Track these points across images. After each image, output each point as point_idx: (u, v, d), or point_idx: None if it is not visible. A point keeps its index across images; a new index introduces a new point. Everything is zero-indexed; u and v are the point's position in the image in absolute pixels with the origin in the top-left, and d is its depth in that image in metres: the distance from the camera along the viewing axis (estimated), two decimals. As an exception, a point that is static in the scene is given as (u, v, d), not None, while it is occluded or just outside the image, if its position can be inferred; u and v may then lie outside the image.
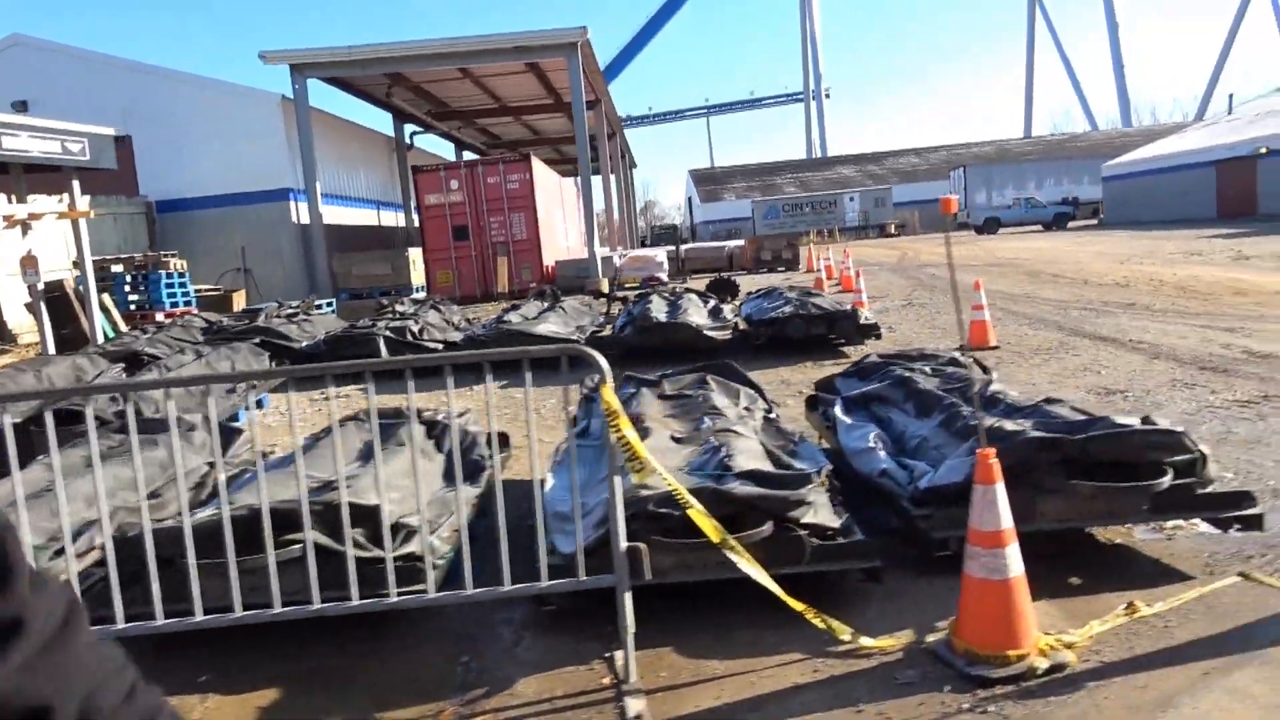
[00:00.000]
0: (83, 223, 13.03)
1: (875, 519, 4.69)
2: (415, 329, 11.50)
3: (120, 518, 4.78)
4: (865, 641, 3.47)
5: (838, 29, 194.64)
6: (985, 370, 6.31)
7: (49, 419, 3.13)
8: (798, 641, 3.57)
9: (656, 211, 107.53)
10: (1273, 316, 10.72)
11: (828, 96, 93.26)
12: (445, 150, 37.74)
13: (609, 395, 3.26)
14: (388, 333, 11.10)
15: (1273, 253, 19.55)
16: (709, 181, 75.78)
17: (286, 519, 3.61)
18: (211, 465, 6.07)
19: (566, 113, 26.91)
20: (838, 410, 5.72)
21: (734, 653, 3.57)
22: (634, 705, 3.23)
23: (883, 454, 4.82)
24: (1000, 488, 3.24)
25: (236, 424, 7.53)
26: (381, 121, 30.48)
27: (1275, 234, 25.47)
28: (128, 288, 16.43)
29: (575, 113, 22.88)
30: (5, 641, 0.68)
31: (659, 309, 11.88)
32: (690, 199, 75.33)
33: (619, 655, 3.49)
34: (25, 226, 12.91)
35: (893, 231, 56.07)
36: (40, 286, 12.33)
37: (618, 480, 3.36)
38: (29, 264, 11.67)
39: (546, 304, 14.02)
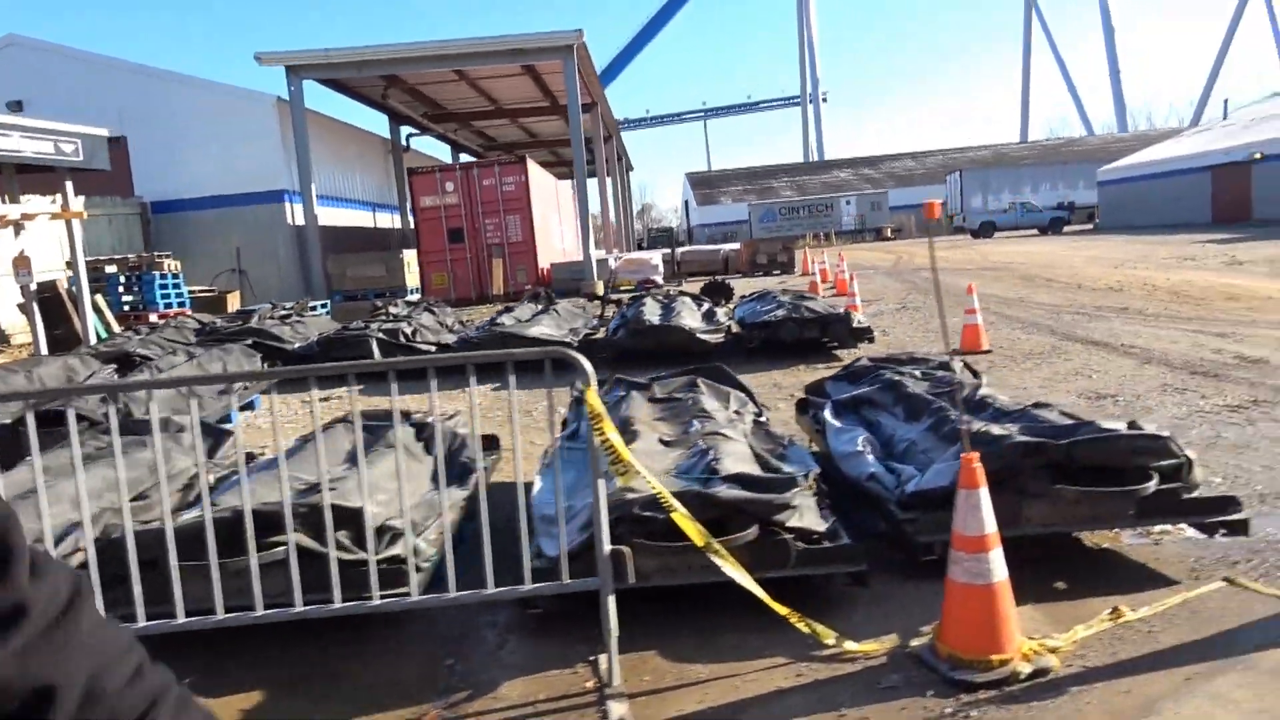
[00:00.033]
0: (76, 223, 13.00)
1: (863, 523, 4.69)
2: (408, 331, 11.50)
3: (106, 519, 4.76)
4: (850, 646, 3.47)
5: (835, 33, 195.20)
6: (975, 375, 6.31)
7: (30, 420, 3.12)
8: (782, 645, 3.57)
9: (654, 214, 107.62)
10: (1265, 322, 10.74)
11: (825, 100, 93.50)
12: (442, 152, 37.73)
13: (592, 398, 3.26)
14: (380, 334, 11.08)
15: (1266, 258, 19.59)
16: (706, 185, 75.85)
17: (271, 521, 3.60)
18: (198, 466, 6.07)
19: (563, 115, 26.90)
20: (827, 414, 5.72)
21: (718, 656, 3.57)
22: (616, 709, 3.23)
23: (870, 457, 4.82)
24: (984, 492, 3.24)
25: (227, 425, 7.51)
26: (378, 123, 30.50)
27: (1269, 239, 25.53)
28: (121, 288, 16.39)
29: (570, 115, 22.88)
30: (6, 628, 0.68)
31: (652, 312, 11.88)
32: (687, 202, 75.41)
33: (603, 659, 3.48)
34: (18, 227, 12.89)
35: (888, 235, 56.15)
36: (33, 287, 12.31)
37: (601, 483, 3.36)
38: (21, 264, 11.65)
39: (540, 306, 14.01)
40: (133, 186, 22.77)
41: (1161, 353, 9.31)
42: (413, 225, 24.40)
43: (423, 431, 5.86)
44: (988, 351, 10.19)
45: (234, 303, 19.61)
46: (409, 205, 25.87)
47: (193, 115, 22.78)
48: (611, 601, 3.37)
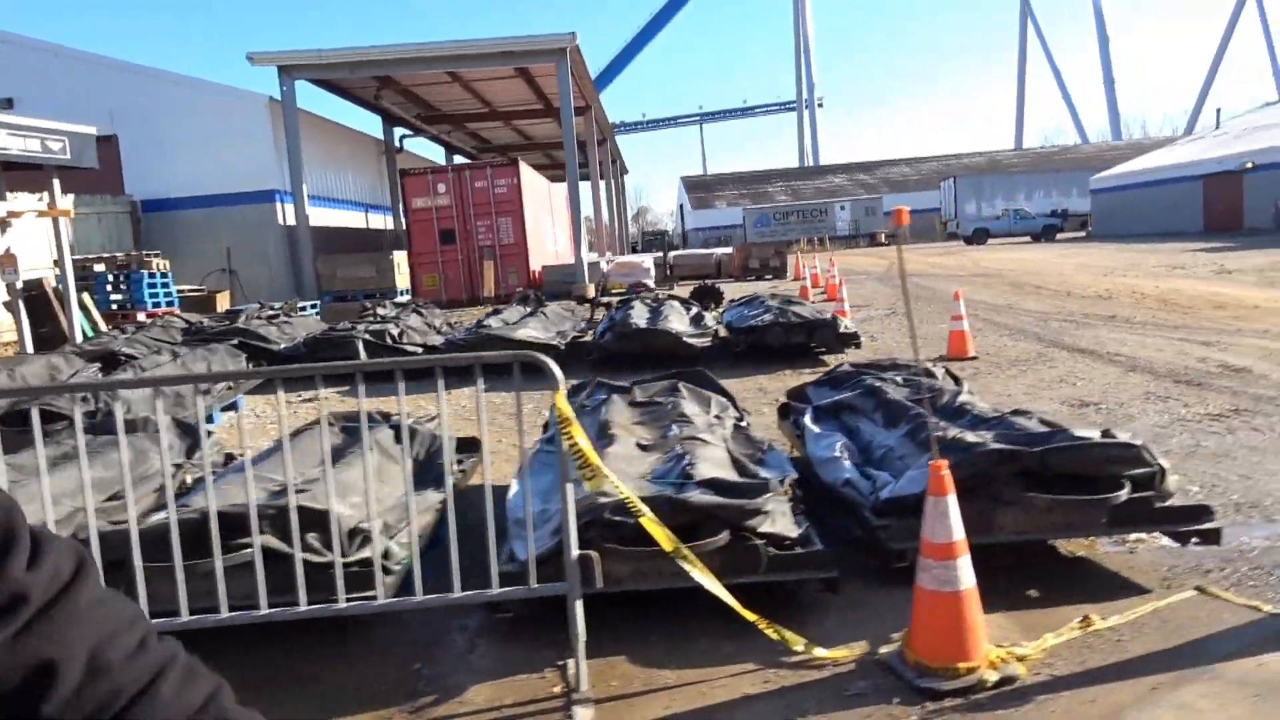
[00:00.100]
0: (63, 221, 12.96)
1: (840, 528, 4.69)
2: (395, 332, 11.47)
3: (80, 519, 4.74)
4: (819, 652, 3.45)
5: (832, 38, 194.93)
6: (957, 381, 6.31)
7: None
8: (752, 652, 3.56)
9: (649, 218, 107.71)
10: (1250, 330, 10.77)
11: (820, 105, 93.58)
12: (435, 154, 37.72)
13: (561, 402, 3.24)
14: (367, 335, 11.05)
15: (1255, 267, 19.66)
16: (701, 188, 75.90)
17: (240, 523, 3.58)
18: (178, 467, 6.04)
19: (556, 118, 26.90)
20: (807, 419, 5.72)
21: (688, 662, 3.56)
22: (582, 715, 3.21)
23: (847, 463, 4.82)
24: (952, 499, 3.24)
25: (208, 426, 7.47)
26: (371, 124, 30.49)
27: (1259, 248, 25.63)
28: (110, 287, 16.33)
29: (563, 118, 22.88)
30: (4, 616, 0.69)
31: (640, 315, 11.87)
32: (682, 205, 75.45)
33: (571, 664, 3.47)
34: (4, 225, 12.83)
35: (883, 241, 56.26)
36: (19, 285, 12.26)
37: (570, 488, 3.34)
38: (7, 262, 11.60)
39: (529, 309, 13.99)
40: (123, 185, 22.70)
41: (1146, 360, 9.32)
42: (404, 226, 24.38)
43: (401, 433, 5.85)
44: (974, 358, 10.20)
45: (223, 302, 19.56)
46: (401, 206, 25.85)
47: (184, 114, 22.72)
48: (579, 606, 3.35)
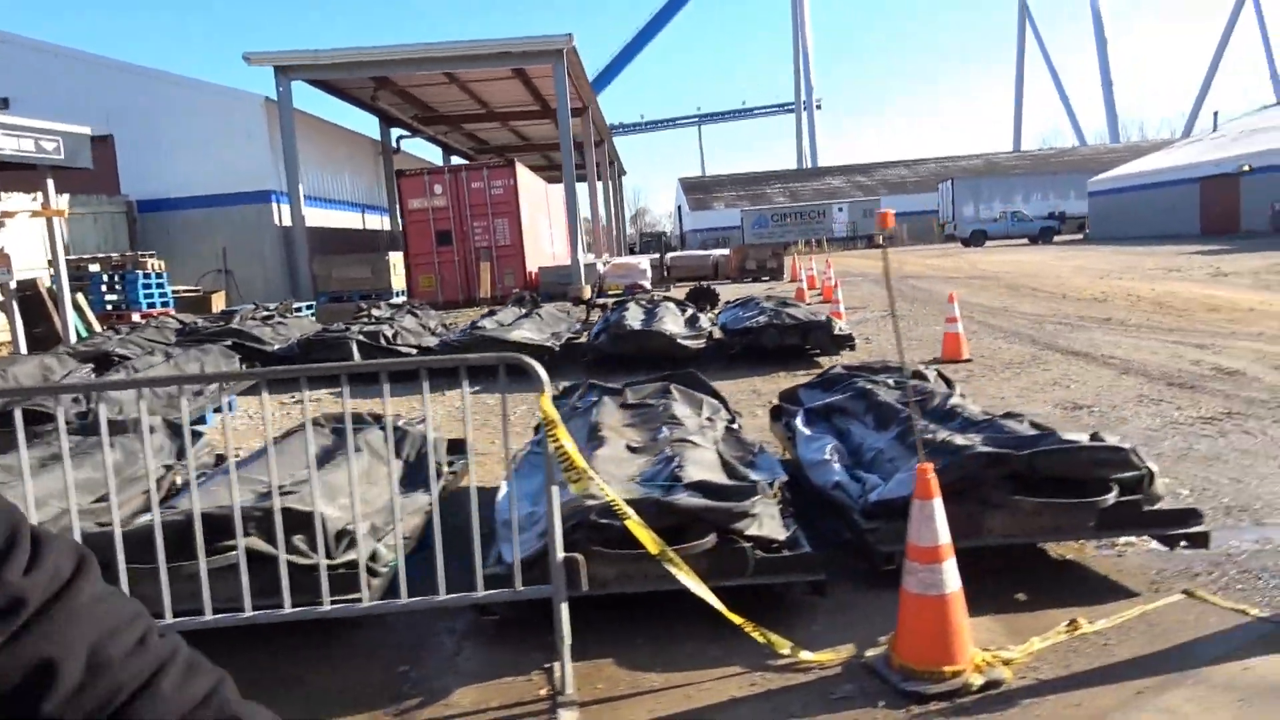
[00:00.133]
0: (58, 221, 12.93)
1: (829, 531, 4.68)
2: (389, 334, 11.45)
3: (68, 520, 4.72)
4: (805, 655, 3.45)
5: (831, 39, 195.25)
6: (949, 384, 6.30)
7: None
8: (739, 655, 3.55)
9: (648, 219, 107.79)
10: (1244, 333, 10.77)
11: (819, 107, 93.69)
12: (433, 154, 37.72)
13: (546, 405, 3.23)
14: (360, 337, 11.04)
15: (1250, 269, 19.68)
16: (698, 190, 75.92)
17: (228, 525, 3.57)
18: (168, 468, 6.03)
19: (554, 119, 26.89)
20: (798, 421, 5.71)
21: (674, 665, 3.55)
22: (567, 718, 3.20)
23: (837, 466, 4.81)
24: (938, 503, 3.23)
25: (200, 427, 7.46)
26: (368, 125, 30.47)
27: (1255, 251, 25.67)
28: (104, 287, 16.31)
29: (560, 120, 22.88)
30: (3, 619, 0.70)
31: (634, 317, 11.86)
32: (680, 207, 75.49)
33: (556, 666, 3.46)
34: (-1, 224, 12.81)
35: (879, 243, 56.15)
36: (12, 285, 12.24)
37: (555, 490, 3.33)
38: (1, 262, 11.58)
39: (524, 310, 13.98)
40: (119, 185, 22.67)
41: (1140, 363, 9.33)
42: (401, 227, 24.36)
43: (390, 435, 5.83)
44: (968, 360, 10.19)
45: (219, 303, 19.54)
46: (397, 207, 25.84)
47: (180, 114, 22.70)
48: (564, 609, 3.35)
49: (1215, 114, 53.88)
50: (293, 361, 10.51)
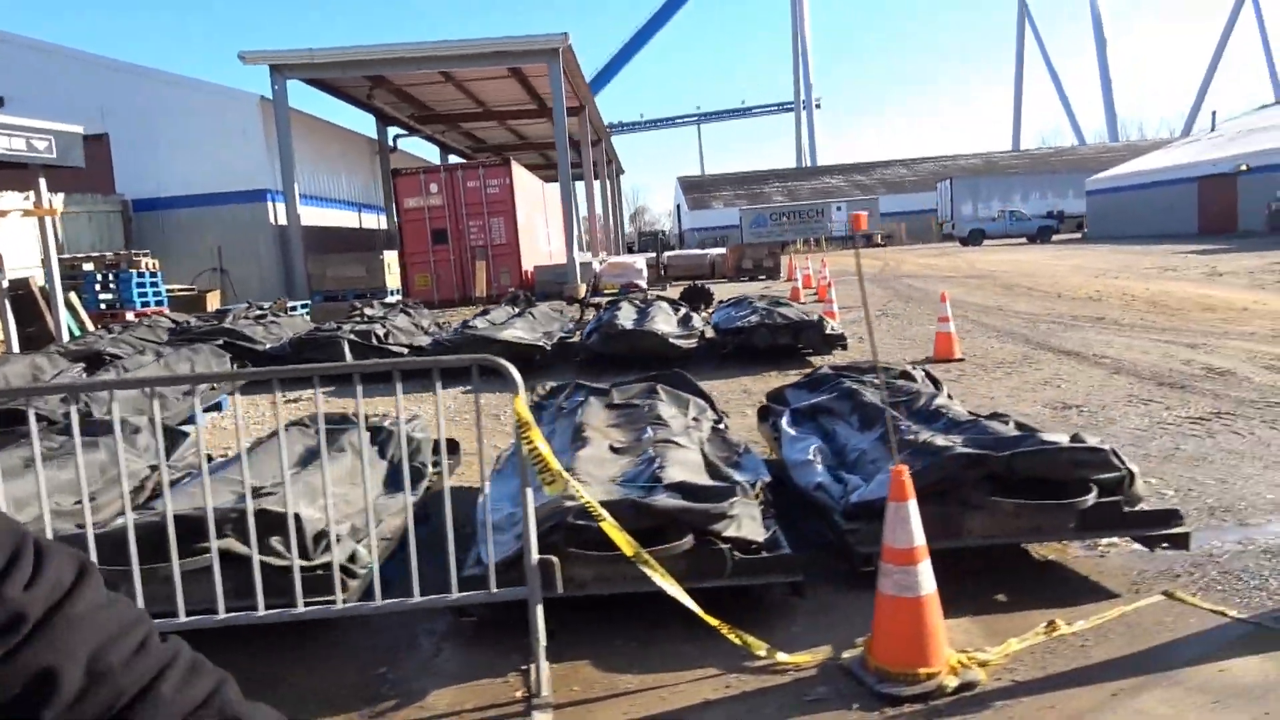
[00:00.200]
0: (50, 220, 12.91)
1: (813, 532, 4.67)
2: (380, 333, 11.44)
3: (49, 521, 4.71)
4: (781, 657, 3.44)
5: (830, 39, 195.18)
6: (936, 384, 6.29)
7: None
8: (716, 656, 3.54)
9: (647, 218, 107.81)
10: (1236, 333, 10.76)
11: (818, 106, 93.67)
12: (430, 153, 37.67)
13: (520, 407, 3.22)
14: (352, 336, 11.02)
15: (1246, 269, 19.68)
16: (697, 189, 75.88)
17: (205, 527, 3.56)
18: (154, 469, 6.01)
19: (551, 118, 26.86)
20: (784, 422, 5.70)
21: (650, 667, 3.54)
22: (541, 720, 3.19)
23: (820, 467, 4.80)
24: (913, 505, 3.22)
25: (187, 427, 7.45)
26: (365, 124, 30.42)
27: (1251, 250, 25.67)
28: (99, 286, 16.29)
29: (556, 119, 22.85)
30: (3, 634, 0.71)
31: (626, 317, 11.85)
32: (679, 206, 75.45)
33: (533, 668, 3.45)
34: (-9, 223, 12.79)
35: (879, 242, 56.28)
36: (5, 284, 12.22)
37: (530, 492, 3.32)
38: (-8, 261, 11.56)
39: (517, 309, 13.96)
40: (114, 184, 22.65)
41: (1131, 363, 9.32)
42: (397, 226, 24.34)
43: (377, 436, 5.83)
44: (960, 360, 10.18)
45: (214, 302, 19.52)
46: (393, 206, 25.81)
47: (176, 113, 22.68)
48: (539, 611, 3.34)
49: (1213, 113, 53.91)
50: (285, 361, 10.50)
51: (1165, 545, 4.02)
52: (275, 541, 3.72)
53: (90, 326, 14.58)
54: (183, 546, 3.46)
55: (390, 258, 22.38)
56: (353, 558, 3.95)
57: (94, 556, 3.25)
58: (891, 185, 71.49)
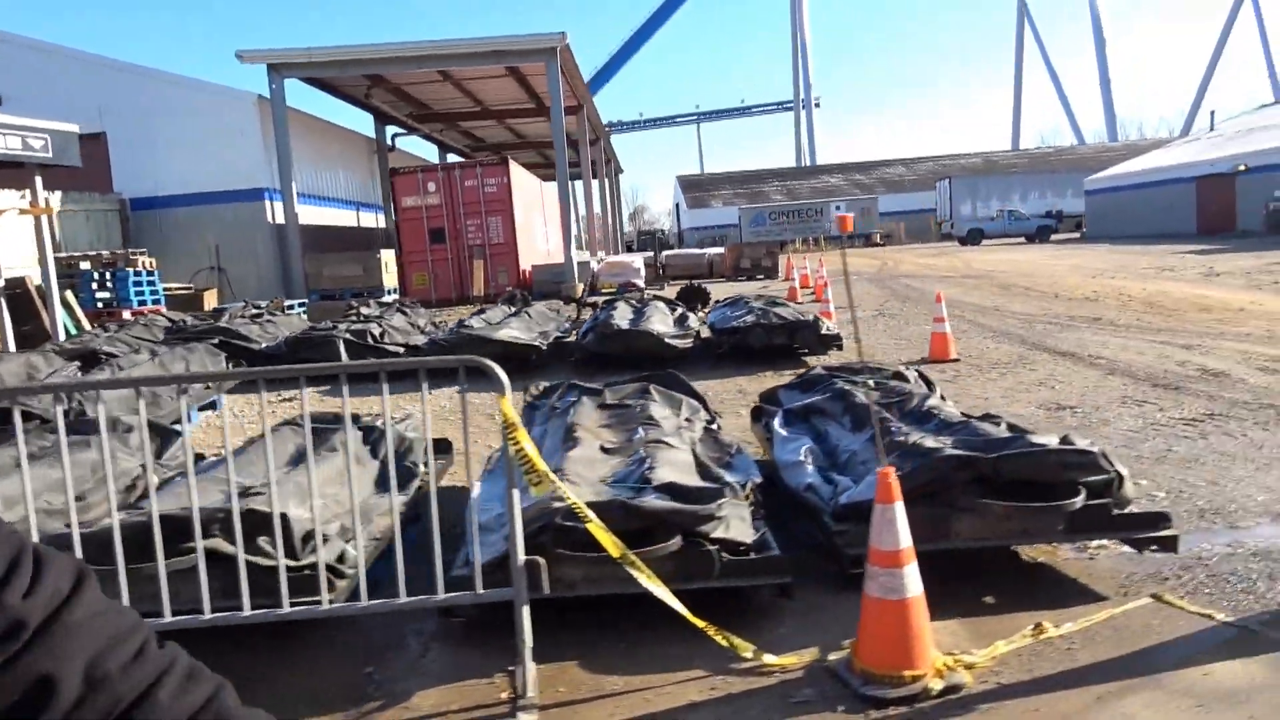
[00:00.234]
0: (46, 219, 12.90)
1: (803, 534, 4.67)
2: (376, 332, 11.43)
3: (39, 521, 4.71)
4: (768, 659, 3.44)
5: (830, 38, 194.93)
6: (929, 385, 6.29)
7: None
8: (702, 658, 3.54)
9: (647, 217, 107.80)
10: (1232, 334, 10.76)
11: (818, 105, 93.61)
12: (429, 152, 37.62)
13: (506, 408, 3.22)
14: (348, 335, 11.01)
15: (1243, 269, 19.68)
16: (697, 188, 75.87)
17: (189, 527, 3.55)
18: (145, 467, 6.01)
19: (549, 117, 26.85)
20: (776, 422, 5.70)
21: (637, 668, 3.54)
22: (526, 722, 3.19)
23: (810, 468, 4.80)
24: (899, 507, 3.22)
25: (178, 426, 7.44)
26: (364, 123, 30.38)
27: (1249, 250, 25.67)
28: (95, 285, 16.27)
29: (553, 118, 22.83)
30: (2, 642, 0.71)
31: (622, 316, 11.84)
32: (678, 205, 75.45)
33: (519, 669, 3.45)
34: (-12, 222, 12.78)
35: (878, 241, 56.30)
36: (0, 283, 12.21)
37: (516, 493, 3.32)
38: (-12, 260, 11.55)
39: (513, 309, 13.96)
40: (112, 183, 22.63)
41: (1126, 364, 9.32)
42: (395, 225, 24.32)
43: (369, 436, 5.83)
44: (955, 360, 10.18)
45: (211, 300, 19.51)
46: (391, 205, 25.80)
47: (174, 112, 22.65)
48: (525, 612, 3.34)
49: (1212, 113, 53.90)
50: (280, 360, 10.49)
51: (1154, 548, 4.02)
52: (263, 541, 3.72)
53: (86, 325, 14.57)
54: (171, 546, 3.46)
55: (388, 257, 22.37)
56: (341, 558, 3.95)
57: (80, 556, 3.24)
58: (890, 184, 71.50)
